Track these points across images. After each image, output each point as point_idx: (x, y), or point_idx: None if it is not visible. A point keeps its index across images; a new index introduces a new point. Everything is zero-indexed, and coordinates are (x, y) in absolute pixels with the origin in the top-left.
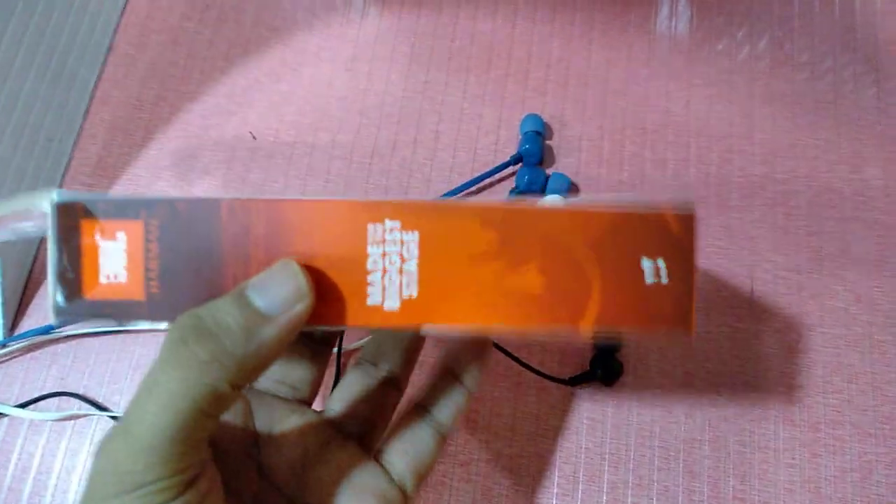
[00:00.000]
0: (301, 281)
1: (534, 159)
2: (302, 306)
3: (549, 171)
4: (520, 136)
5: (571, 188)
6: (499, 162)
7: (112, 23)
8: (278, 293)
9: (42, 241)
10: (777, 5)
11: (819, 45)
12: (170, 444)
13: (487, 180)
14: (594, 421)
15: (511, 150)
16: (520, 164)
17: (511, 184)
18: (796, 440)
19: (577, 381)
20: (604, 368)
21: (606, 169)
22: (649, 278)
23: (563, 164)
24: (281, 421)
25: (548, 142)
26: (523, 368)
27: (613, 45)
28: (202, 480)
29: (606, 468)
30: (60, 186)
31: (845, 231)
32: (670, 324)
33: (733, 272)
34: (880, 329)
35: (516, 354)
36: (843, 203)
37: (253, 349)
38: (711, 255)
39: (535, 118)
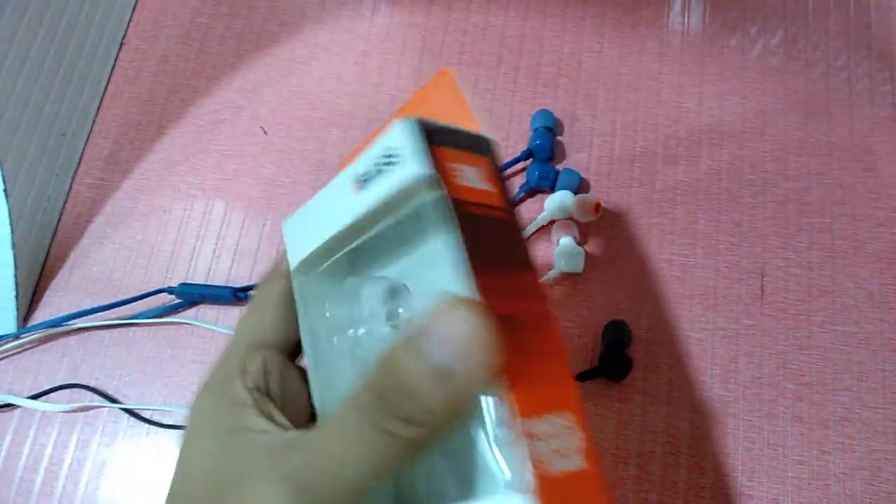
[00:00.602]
0: (493, 345)
1: (544, 155)
2: (490, 371)
3: (559, 167)
4: (531, 132)
5: (582, 184)
6: (509, 157)
7: (124, 18)
8: (472, 359)
9: (55, 232)
10: (791, 1)
11: (833, 42)
12: (351, 493)
13: None
14: (603, 417)
15: (522, 146)
16: (530, 159)
17: (521, 179)
18: (805, 437)
19: (586, 377)
20: (613, 364)
21: (618, 164)
22: None
23: (574, 160)
24: None
25: (559, 137)
26: None
27: (625, 40)
28: None
29: (614, 464)
30: (73, 180)
31: (857, 228)
32: None
33: (744, 269)
34: (891, 326)
35: None
36: (855, 200)
37: (451, 413)
38: (722, 252)
39: (546, 114)
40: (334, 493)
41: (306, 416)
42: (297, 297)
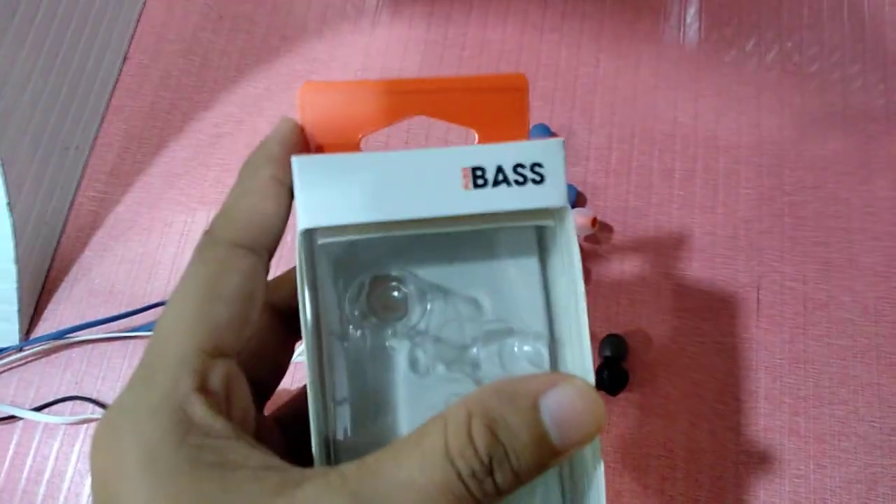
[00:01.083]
0: (600, 413)
1: None
2: (591, 438)
3: None
4: None
5: (578, 198)
6: None
7: (127, 33)
8: (576, 431)
9: (58, 245)
10: (786, 16)
11: (828, 56)
12: None
13: None
14: None
15: None
16: None
17: None
18: (802, 451)
19: None
20: (610, 377)
21: (614, 178)
22: None
23: (571, 174)
24: None
25: None
26: None
27: (622, 53)
28: None
29: (611, 476)
30: (76, 193)
31: (853, 242)
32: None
33: (740, 282)
34: (887, 340)
35: None
36: (850, 214)
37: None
38: (718, 266)
39: (543, 127)
40: None
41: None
42: (303, 267)
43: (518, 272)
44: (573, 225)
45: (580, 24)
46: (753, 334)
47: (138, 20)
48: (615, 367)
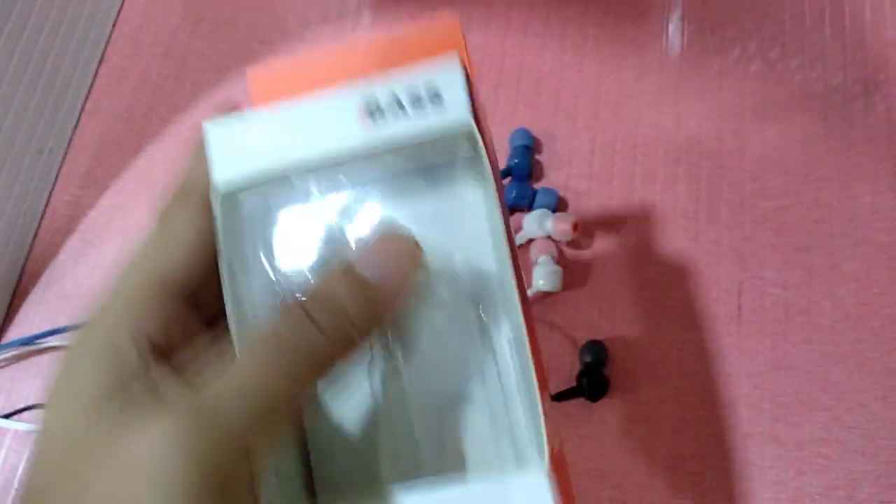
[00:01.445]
0: (412, 249)
1: (522, 174)
2: (417, 275)
3: (537, 186)
4: (509, 150)
5: (560, 203)
6: None
7: (104, 34)
8: (393, 267)
9: (31, 250)
10: (769, 23)
11: (809, 63)
12: (271, 421)
13: None
14: (580, 437)
15: (500, 165)
16: (509, 178)
17: None
18: (783, 457)
19: (563, 397)
20: (590, 384)
21: (596, 183)
22: None
23: (553, 179)
24: None
25: (537, 156)
26: None
27: (605, 58)
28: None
29: (591, 484)
30: (50, 197)
31: (834, 248)
32: None
33: (722, 288)
34: (868, 346)
35: None
36: (832, 219)
37: (377, 321)
38: (700, 271)
39: (525, 132)
40: (244, 417)
41: None
42: (219, 224)
43: (469, 207)
44: (482, 145)
45: (563, 29)
46: (735, 340)
47: (115, 22)
48: (596, 374)
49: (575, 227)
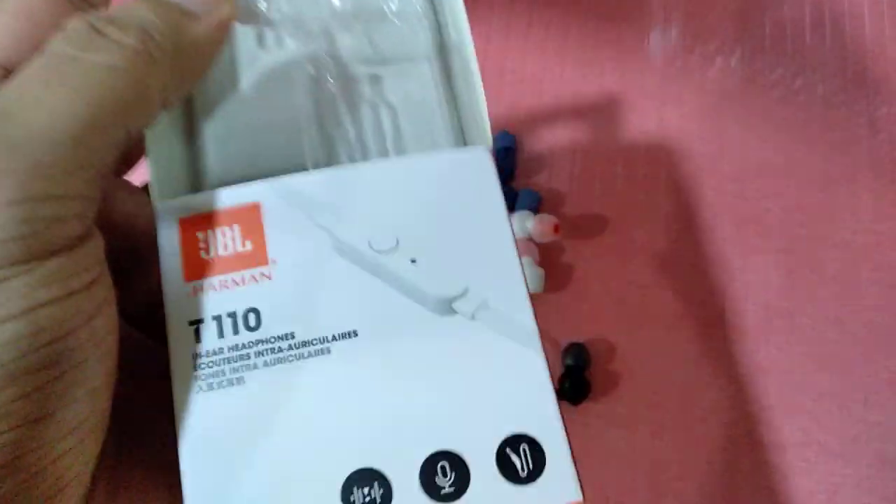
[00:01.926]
0: None
1: (504, 176)
2: (228, 8)
3: (519, 188)
4: None
5: (541, 205)
6: None
7: None
8: None
9: None
10: (750, 27)
11: (789, 65)
12: (70, 144)
13: None
14: None
15: None
16: None
17: None
18: (764, 461)
19: None
20: (571, 386)
21: (578, 185)
22: None
23: (534, 181)
24: None
25: (519, 158)
26: None
27: (588, 62)
28: (91, 241)
29: None
30: None
31: (815, 250)
32: None
33: (703, 290)
34: (848, 349)
35: None
36: (812, 223)
37: (185, 48)
38: (682, 274)
39: (506, 135)
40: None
41: None
42: None
43: None
44: None
45: (546, 31)
46: (716, 343)
47: None
48: (577, 377)
49: (556, 228)
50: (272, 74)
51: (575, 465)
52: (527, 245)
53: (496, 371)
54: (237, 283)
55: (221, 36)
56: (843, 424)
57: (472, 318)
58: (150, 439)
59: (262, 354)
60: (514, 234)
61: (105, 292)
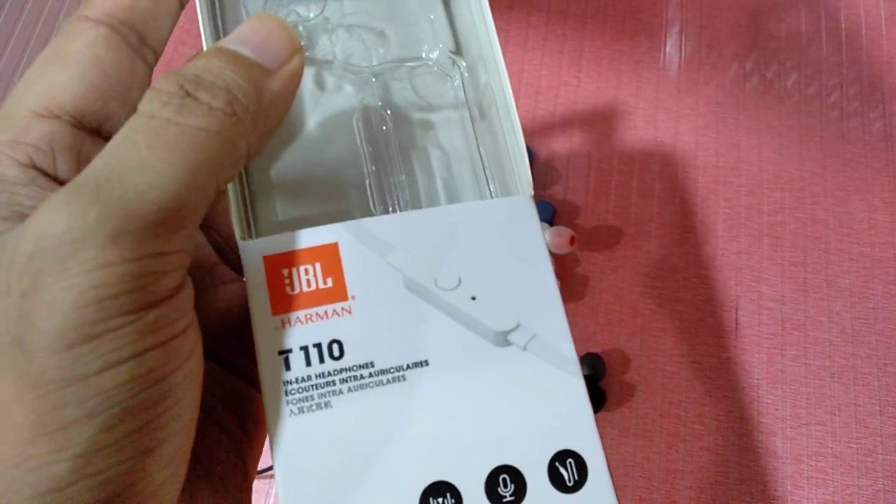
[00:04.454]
0: (290, 31)
1: None
2: (299, 60)
3: (535, 200)
4: None
5: (557, 217)
6: None
7: None
8: (272, 47)
9: None
10: (765, 39)
11: (806, 80)
12: (175, 206)
13: None
14: None
15: None
16: None
17: None
18: (778, 472)
19: None
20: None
21: (594, 197)
22: None
23: (550, 193)
24: None
25: (534, 170)
26: None
27: (603, 74)
28: (185, 289)
29: None
30: None
31: (830, 263)
32: None
33: (718, 302)
34: (863, 361)
35: None
36: (828, 235)
37: (266, 105)
38: (696, 285)
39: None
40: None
41: None
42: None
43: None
44: None
45: (561, 44)
46: (731, 354)
47: None
48: (592, 387)
49: (572, 240)
50: (333, 116)
51: (611, 475)
52: None
53: (545, 394)
54: (321, 317)
55: (295, 87)
56: (858, 436)
57: (525, 348)
58: (218, 466)
59: (346, 381)
60: (554, 272)
61: (196, 335)
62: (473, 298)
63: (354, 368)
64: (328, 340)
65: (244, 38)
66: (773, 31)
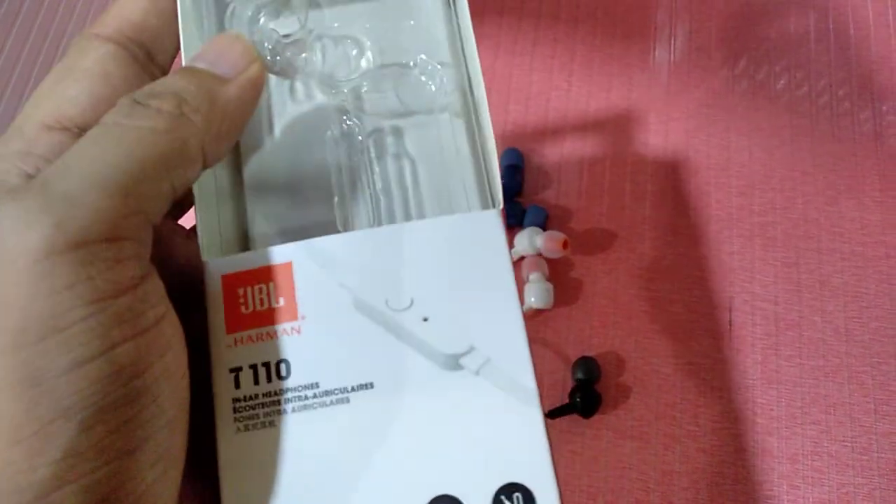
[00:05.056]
0: (244, 43)
1: (511, 193)
2: (256, 68)
3: (527, 204)
4: (500, 170)
5: (550, 221)
6: None
7: None
8: (227, 58)
9: None
10: (755, 40)
11: (796, 80)
12: (121, 193)
13: None
14: (573, 453)
15: None
16: None
17: None
18: (774, 471)
19: (556, 414)
20: (583, 400)
21: (586, 201)
22: None
23: (542, 197)
24: None
25: (527, 174)
26: None
27: (594, 78)
28: (149, 280)
29: (584, 500)
30: None
31: (822, 262)
32: None
33: (712, 303)
34: (857, 360)
35: None
36: (819, 234)
37: (219, 109)
38: (690, 286)
39: (514, 152)
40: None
41: None
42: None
43: (399, 8)
44: None
45: (552, 49)
46: (725, 355)
47: None
48: (588, 390)
49: (564, 244)
50: (302, 126)
51: None
52: (536, 261)
53: (497, 424)
54: (271, 336)
55: (253, 94)
56: (853, 435)
57: (477, 374)
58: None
59: (290, 401)
60: (518, 296)
61: (172, 329)
62: (425, 320)
63: (299, 389)
64: (276, 360)
65: (200, 54)
66: (763, 34)
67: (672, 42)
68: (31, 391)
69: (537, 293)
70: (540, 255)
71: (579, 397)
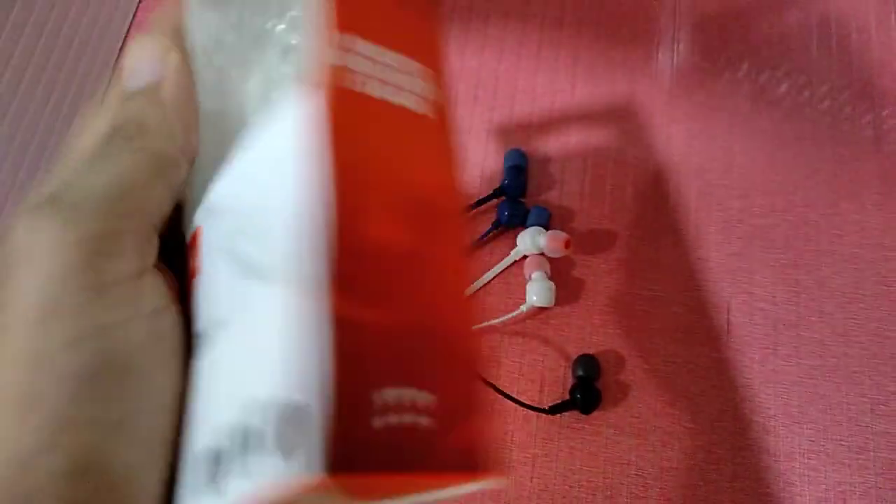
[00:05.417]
0: (149, 42)
1: (515, 193)
2: (172, 56)
3: (530, 204)
4: (504, 169)
5: (553, 220)
6: (485, 194)
7: (118, 42)
8: (147, 66)
9: None
10: (758, 45)
11: (797, 84)
12: (119, 198)
13: (471, 213)
14: (572, 449)
15: (496, 182)
16: (502, 197)
17: (493, 216)
18: (772, 469)
19: (557, 410)
20: (583, 397)
21: (588, 202)
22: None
23: (546, 197)
24: None
25: (531, 175)
26: (503, 398)
27: (597, 80)
28: (148, 274)
29: (582, 496)
30: None
31: (821, 264)
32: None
33: (711, 304)
34: (855, 360)
35: (496, 384)
36: (819, 237)
37: (168, 110)
38: (690, 287)
39: (518, 153)
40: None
41: None
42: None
43: None
44: None
45: (556, 52)
46: (724, 354)
47: (129, 28)
48: (588, 387)
49: (567, 244)
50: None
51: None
52: (539, 260)
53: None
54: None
55: (186, 78)
56: (850, 434)
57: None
58: None
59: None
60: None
61: (170, 322)
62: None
63: (196, 337)
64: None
65: (125, 76)
66: (765, 39)
67: (675, 46)
68: (31, 363)
69: (539, 291)
70: (542, 254)
71: (579, 394)
